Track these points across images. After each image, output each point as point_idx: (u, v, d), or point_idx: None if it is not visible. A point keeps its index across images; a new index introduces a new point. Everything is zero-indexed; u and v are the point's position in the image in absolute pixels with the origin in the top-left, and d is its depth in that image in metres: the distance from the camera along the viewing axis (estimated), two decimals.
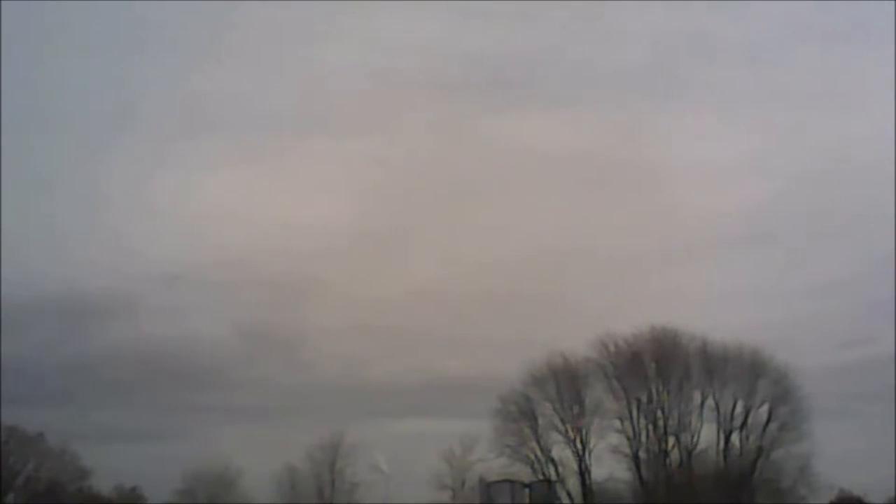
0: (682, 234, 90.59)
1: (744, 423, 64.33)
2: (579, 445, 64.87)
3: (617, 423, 64.71)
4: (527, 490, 64.03)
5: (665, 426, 64.18)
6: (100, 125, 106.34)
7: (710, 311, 76.85)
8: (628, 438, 64.32)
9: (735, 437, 64.39)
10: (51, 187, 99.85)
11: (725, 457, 64.28)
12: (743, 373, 64.58)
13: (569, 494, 65.01)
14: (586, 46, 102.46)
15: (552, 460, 65.16)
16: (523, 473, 64.98)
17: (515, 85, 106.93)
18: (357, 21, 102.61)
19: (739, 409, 64.40)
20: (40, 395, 76.58)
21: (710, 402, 64.46)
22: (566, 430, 65.19)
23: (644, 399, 64.60)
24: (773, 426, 64.13)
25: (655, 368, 64.96)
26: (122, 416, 79.37)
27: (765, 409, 64.36)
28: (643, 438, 64.23)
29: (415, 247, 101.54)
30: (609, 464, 64.87)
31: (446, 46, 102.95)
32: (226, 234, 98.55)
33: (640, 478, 64.33)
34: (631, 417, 64.47)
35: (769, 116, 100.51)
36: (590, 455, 64.87)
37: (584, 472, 64.83)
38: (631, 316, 72.68)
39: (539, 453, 65.19)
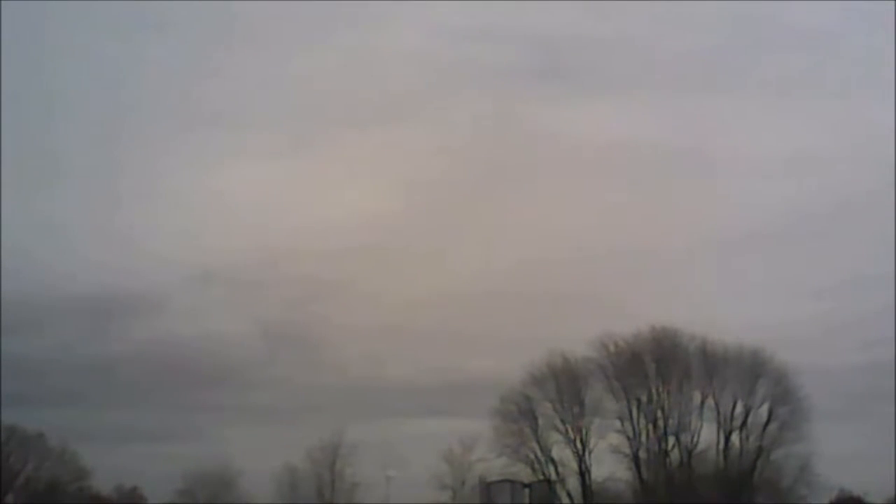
0: (732, 228, 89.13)
1: (744, 423, 64.27)
2: (579, 445, 64.83)
3: (617, 423, 64.71)
4: (527, 490, 64.33)
5: (665, 426, 64.15)
6: (130, 117, 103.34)
7: (748, 308, 77.69)
8: (628, 438, 64.30)
9: (735, 437, 64.35)
10: (78, 183, 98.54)
11: (725, 457, 64.24)
12: (743, 373, 64.53)
13: (569, 494, 64.99)
14: (649, 31, 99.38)
15: (552, 460, 65.12)
16: (523, 473, 65.06)
17: (573, 72, 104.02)
18: (409, 5, 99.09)
19: (739, 409, 64.38)
20: (56, 396, 78.00)
21: (710, 402, 64.42)
22: (566, 430, 65.14)
23: (644, 399, 64.55)
24: (773, 426, 64.08)
25: (655, 368, 64.90)
26: (136, 416, 79.44)
27: (765, 409, 64.35)
28: (643, 438, 64.21)
29: (453, 244, 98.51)
30: (609, 464, 64.92)
31: (503, 32, 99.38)
32: (260, 230, 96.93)
33: (640, 478, 64.31)
34: (631, 417, 64.44)
35: (827, 106, 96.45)
36: (590, 455, 64.88)
37: (584, 472, 64.76)
38: (680, 313, 71.39)
39: (539, 453, 65.15)
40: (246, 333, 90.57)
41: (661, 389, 64.49)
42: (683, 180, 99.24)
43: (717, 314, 72.69)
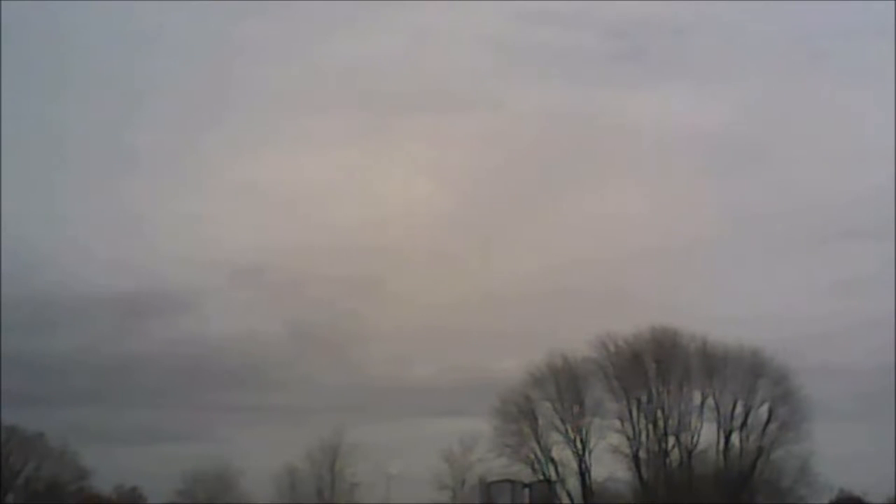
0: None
1: (744, 423, 64.26)
2: (579, 445, 64.84)
3: (617, 423, 64.71)
4: (527, 490, 64.33)
5: (665, 426, 64.14)
6: (158, 106, 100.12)
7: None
8: (628, 438, 64.30)
9: (735, 437, 64.34)
10: (103, 180, 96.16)
11: (725, 457, 64.24)
12: (743, 373, 64.54)
13: (569, 494, 65.00)
14: (736, 14, 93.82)
15: (552, 460, 65.11)
16: (523, 473, 65.09)
17: (654, 56, 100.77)
18: None
19: (739, 409, 64.36)
20: (73, 396, 78.03)
21: (710, 402, 64.42)
22: (566, 430, 65.14)
23: (644, 399, 64.55)
24: (773, 426, 64.07)
25: (655, 368, 64.90)
26: (153, 416, 79.25)
27: (765, 409, 64.34)
28: (643, 438, 64.21)
29: (501, 240, 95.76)
30: (609, 464, 64.90)
31: (581, 14, 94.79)
32: (296, 225, 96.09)
33: (640, 478, 64.31)
34: (631, 417, 64.44)
35: None
36: (590, 455, 64.88)
37: (584, 472, 64.77)
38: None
39: (539, 453, 65.14)
40: (273, 333, 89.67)
41: (661, 389, 64.50)
42: (751, 173, 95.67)
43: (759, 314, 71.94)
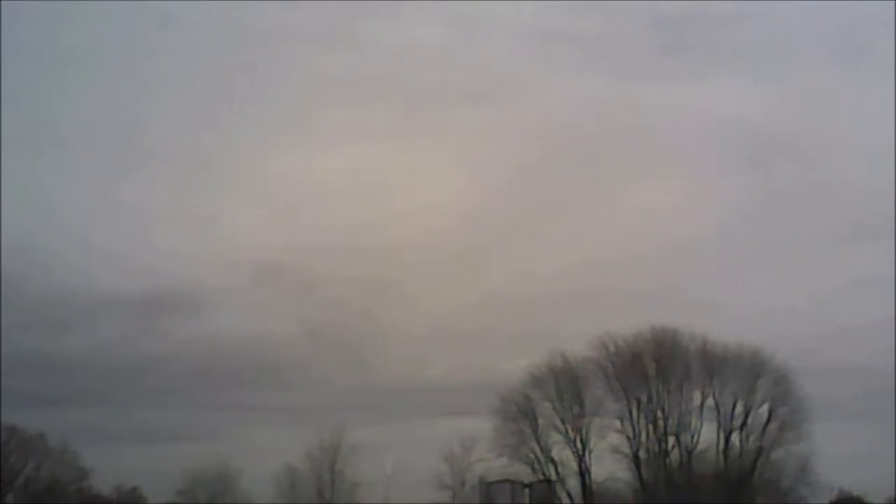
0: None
1: (744, 423, 64.28)
2: (579, 445, 64.85)
3: (617, 423, 64.72)
4: (527, 490, 64.32)
5: (665, 426, 64.14)
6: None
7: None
8: (628, 438, 64.29)
9: (735, 437, 64.36)
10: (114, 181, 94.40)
11: (725, 457, 64.23)
12: (743, 373, 64.54)
13: (569, 494, 65.01)
14: (779, 6, 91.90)
15: (552, 460, 65.12)
16: (523, 473, 65.09)
17: (698, 48, 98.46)
18: None
19: (739, 409, 64.39)
20: (83, 396, 78.08)
21: (710, 402, 64.48)
22: (566, 430, 65.14)
23: (644, 399, 64.53)
24: (773, 426, 64.09)
25: (655, 368, 64.90)
26: (159, 416, 79.16)
27: (765, 409, 64.37)
28: (643, 438, 64.20)
29: (530, 236, 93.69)
30: (609, 464, 64.93)
31: (624, 5, 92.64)
32: (329, 222, 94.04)
33: (640, 478, 64.29)
34: (631, 417, 64.43)
35: None
36: (590, 455, 64.90)
37: (584, 472, 64.76)
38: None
39: (539, 453, 65.16)
40: (288, 333, 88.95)
41: (661, 389, 64.49)
42: (790, 167, 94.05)
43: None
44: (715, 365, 64.59)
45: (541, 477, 64.70)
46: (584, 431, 64.93)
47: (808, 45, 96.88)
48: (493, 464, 65.57)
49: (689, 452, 64.17)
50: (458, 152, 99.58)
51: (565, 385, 65.57)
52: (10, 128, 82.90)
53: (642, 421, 64.32)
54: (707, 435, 64.29)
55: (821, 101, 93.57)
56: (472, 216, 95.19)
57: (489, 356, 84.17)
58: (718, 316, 69.90)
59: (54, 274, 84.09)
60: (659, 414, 64.29)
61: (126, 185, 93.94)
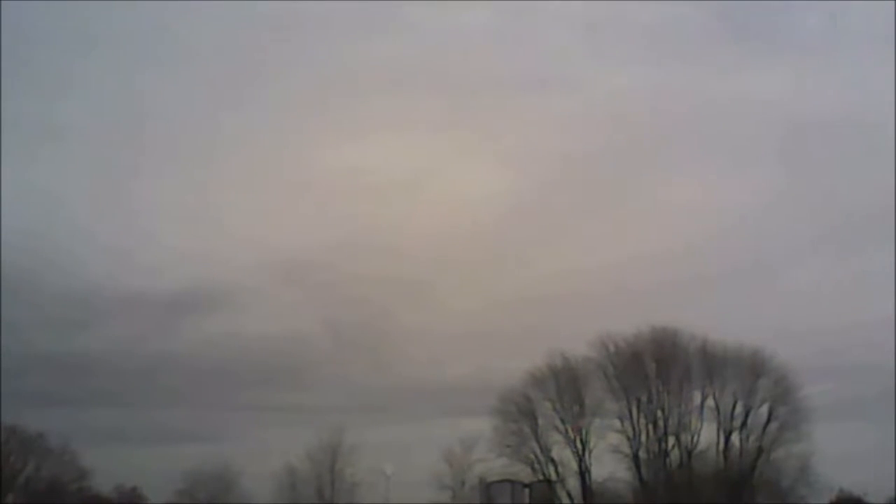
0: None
1: (744, 423, 64.30)
2: (579, 445, 64.85)
3: (617, 423, 64.74)
4: (527, 490, 64.33)
5: (665, 426, 64.13)
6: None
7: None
8: (628, 438, 64.31)
9: (735, 437, 64.39)
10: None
11: (725, 457, 64.23)
12: (743, 373, 64.55)
13: (569, 494, 64.99)
14: None
15: (552, 460, 65.14)
16: (523, 473, 65.11)
17: (755, 35, 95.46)
18: None
19: (739, 409, 64.44)
20: (98, 397, 77.81)
21: (710, 402, 64.53)
22: (566, 430, 65.16)
23: (644, 399, 64.54)
24: (773, 426, 64.13)
25: (655, 368, 64.91)
26: (173, 417, 78.79)
27: (765, 409, 64.39)
28: (643, 438, 64.20)
29: (569, 232, 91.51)
30: (609, 464, 64.94)
31: None
32: (364, 221, 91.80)
33: (640, 478, 64.29)
34: (631, 417, 64.43)
35: None
36: (590, 455, 64.91)
37: (584, 472, 64.77)
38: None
39: (539, 453, 65.18)
40: (310, 333, 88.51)
41: (661, 389, 64.49)
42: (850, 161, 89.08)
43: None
44: (715, 365, 64.60)
45: (541, 477, 64.71)
46: (584, 431, 64.98)
47: (866, 36, 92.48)
48: (493, 464, 65.71)
49: (689, 452, 64.17)
50: (502, 145, 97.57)
51: (565, 385, 65.58)
52: (16, 122, 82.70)
53: (642, 421, 64.35)
54: (707, 435, 64.46)
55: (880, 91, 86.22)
56: (512, 212, 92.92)
57: (516, 357, 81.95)
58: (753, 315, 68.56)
59: (74, 272, 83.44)
60: (659, 414, 64.31)
61: (148, 181, 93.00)
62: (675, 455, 64.27)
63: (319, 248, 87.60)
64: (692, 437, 64.33)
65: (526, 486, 64.66)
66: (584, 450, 64.75)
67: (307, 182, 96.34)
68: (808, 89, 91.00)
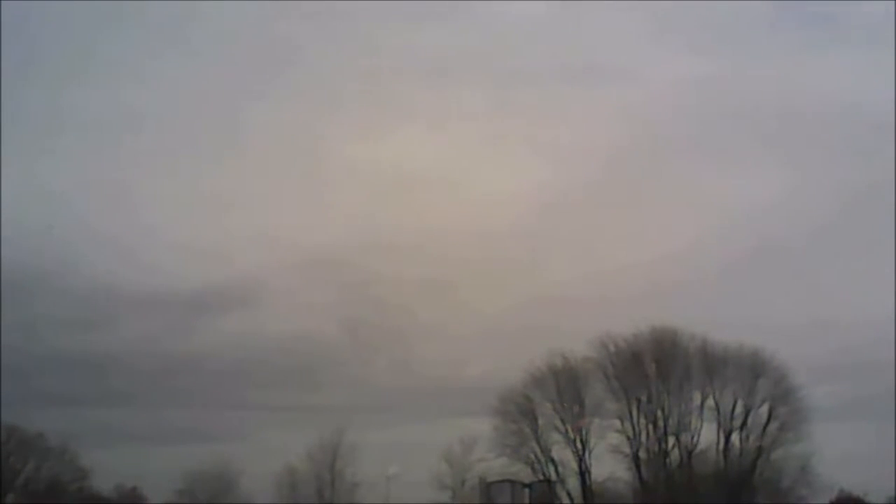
0: None
1: (744, 423, 64.26)
2: (579, 445, 64.82)
3: (617, 423, 64.69)
4: (527, 490, 64.34)
5: (665, 426, 64.11)
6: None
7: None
8: (628, 438, 64.29)
9: (735, 437, 64.35)
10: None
11: (725, 457, 64.22)
12: (743, 373, 64.52)
13: (569, 494, 64.98)
14: None
15: (552, 460, 65.10)
16: (523, 473, 65.11)
17: (815, 25, 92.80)
18: None
19: (739, 409, 64.39)
20: (112, 396, 77.58)
21: (710, 402, 64.45)
22: (566, 430, 65.12)
23: (644, 399, 64.51)
24: (773, 426, 64.08)
25: (655, 368, 64.87)
26: (187, 417, 78.68)
27: (765, 409, 64.33)
28: (643, 438, 64.19)
29: (619, 229, 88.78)
30: (609, 464, 64.90)
31: None
32: (398, 213, 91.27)
33: (640, 478, 64.29)
34: (631, 417, 64.40)
35: None
36: (590, 455, 64.88)
37: (584, 472, 64.75)
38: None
39: (539, 453, 65.13)
40: (330, 333, 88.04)
41: (661, 389, 64.46)
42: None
43: None
44: (715, 365, 64.57)
45: (541, 477, 64.69)
46: (584, 431, 64.93)
47: None
48: (493, 464, 65.68)
49: (689, 452, 64.16)
50: (546, 137, 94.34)
51: (565, 385, 65.55)
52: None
53: (642, 421, 64.32)
54: (707, 435, 64.41)
55: None
56: (548, 209, 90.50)
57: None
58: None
59: (91, 271, 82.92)
60: (659, 414, 64.28)
61: (165, 178, 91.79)
62: (675, 455, 64.28)
63: (343, 247, 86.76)
64: (692, 437, 64.38)
65: (526, 486, 64.65)
66: (584, 450, 64.76)
67: (334, 177, 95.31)
68: (869, 82, 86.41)
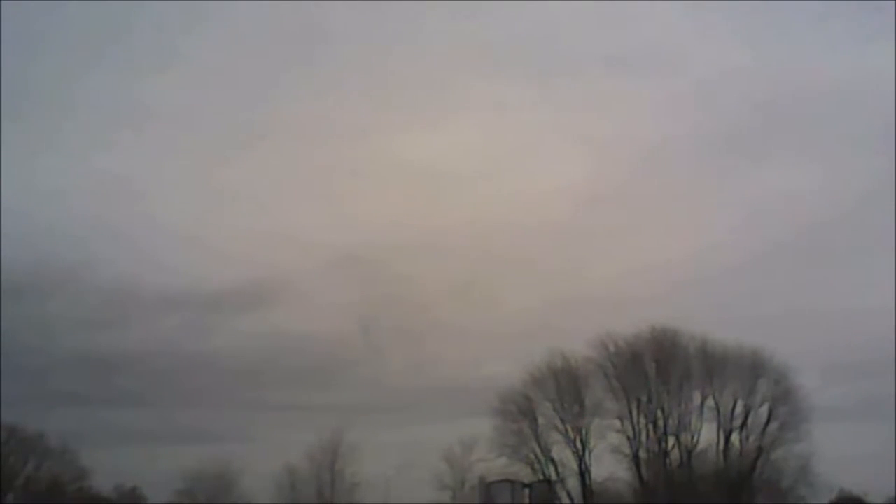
0: None
1: (744, 423, 64.25)
2: (579, 445, 64.81)
3: (617, 423, 64.67)
4: (527, 490, 64.28)
5: (665, 426, 64.12)
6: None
7: None
8: (628, 438, 64.27)
9: (735, 437, 64.34)
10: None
11: (725, 457, 64.21)
12: (743, 373, 64.51)
13: (569, 494, 64.97)
14: None
15: (552, 460, 65.09)
16: (523, 473, 65.04)
17: (867, 15, 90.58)
18: None
19: (739, 409, 64.40)
20: (119, 396, 77.52)
21: (710, 402, 64.43)
22: (566, 430, 65.12)
23: (644, 399, 64.50)
24: (773, 426, 64.09)
25: (655, 368, 64.87)
26: (196, 417, 78.47)
27: (765, 409, 64.34)
28: (643, 438, 64.18)
29: (658, 224, 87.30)
30: (609, 464, 64.88)
31: None
32: (427, 210, 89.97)
33: (640, 478, 64.27)
34: (631, 417, 64.39)
35: None
36: (590, 455, 64.87)
37: (584, 472, 64.74)
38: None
39: (539, 453, 65.12)
40: (348, 331, 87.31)
41: (661, 389, 64.46)
42: None
43: None
44: (715, 365, 64.56)
45: (541, 477, 64.66)
46: (584, 431, 64.93)
47: None
48: (493, 464, 65.67)
49: (689, 452, 64.16)
50: (588, 128, 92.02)
51: (565, 385, 65.55)
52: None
53: (642, 421, 64.32)
54: (707, 435, 64.41)
55: None
56: (586, 203, 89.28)
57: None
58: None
59: (115, 271, 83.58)
60: (659, 414, 64.28)
61: (190, 176, 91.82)
62: (675, 455, 64.28)
63: (370, 245, 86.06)
64: (692, 437, 64.36)
65: (526, 486, 64.59)
66: (584, 450, 64.76)
67: (363, 174, 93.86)
68: None
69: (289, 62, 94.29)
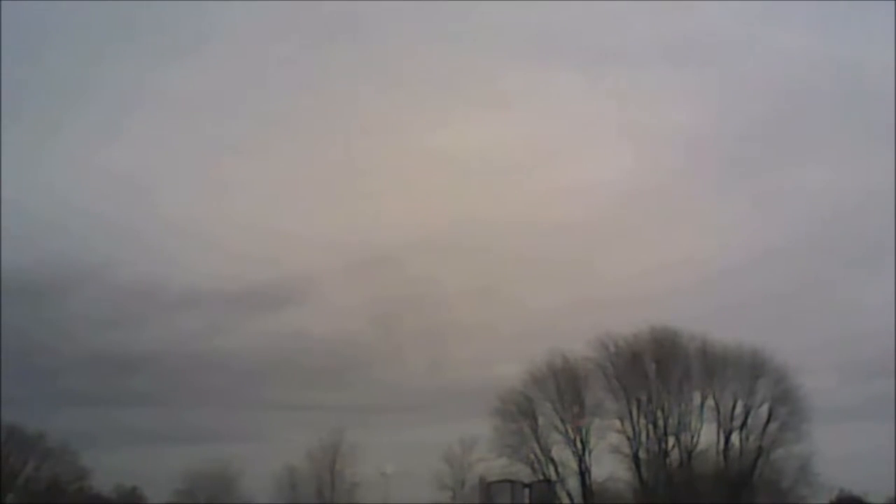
0: None
1: (744, 423, 64.27)
2: (579, 445, 64.82)
3: (617, 423, 64.69)
4: (527, 490, 64.30)
5: (665, 426, 64.12)
6: None
7: None
8: (628, 438, 64.29)
9: (735, 437, 64.36)
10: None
11: (725, 457, 64.22)
12: (743, 373, 64.52)
13: (569, 494, 64.97)
14: None
15: (552, 460, 65.10)
16: (523, 473, 65.08)
17: None
18: None
19: (739, 409, 64.41)
20: (129, 396, 77.66)
21: (710, 402, 64.45)
22: (566, 430, 65.13)
23: (644, 399, 64.50)
24: (773, 426, 64.09)
25: (655, 368, 64.88)
26: (206, 417, 79.01)
27: (765, 409, 64.35)
28: (643, 438, 64.18)
29: (695, 222, 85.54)
30: (609, 464, 64.93)
31: None
32: (453, 216, 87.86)
33: (640, 478, 64.28)
34: (631, 417, 64.41)
35: None
36: (590, 455, 64.88)
37: (584, 472, 64.75)
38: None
39: (539, 453, 65.13)
40: (366, 332, 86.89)
41: (661, 389, 64.46)
42: None
43: None
44: (715, 365, 64.57)
45: (541, 477, 64.67)
46: (584, 431, 64.94)
47: None
48: (493, 464, 65.68)
49: (689, 452, 64.16)
50: (633, 121, 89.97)
51: (565, 385, 65.55)
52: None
53: (642, 421, 64.32)
54: (707, 435, 64.43)
55: None
56: (622, 200, 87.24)
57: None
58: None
59: (135, 272, 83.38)
60: (659, 414, 64.28)
61: (203, 176, 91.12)
62: (675, 455, 64.29)
63: (394, 246, 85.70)
64: (692, 437, 64.37)
65: (526, 486, 64.62)
66: (584, 450, 64.77)
67: (392, 167, 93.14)
68: None
69: (317, 50, 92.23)
